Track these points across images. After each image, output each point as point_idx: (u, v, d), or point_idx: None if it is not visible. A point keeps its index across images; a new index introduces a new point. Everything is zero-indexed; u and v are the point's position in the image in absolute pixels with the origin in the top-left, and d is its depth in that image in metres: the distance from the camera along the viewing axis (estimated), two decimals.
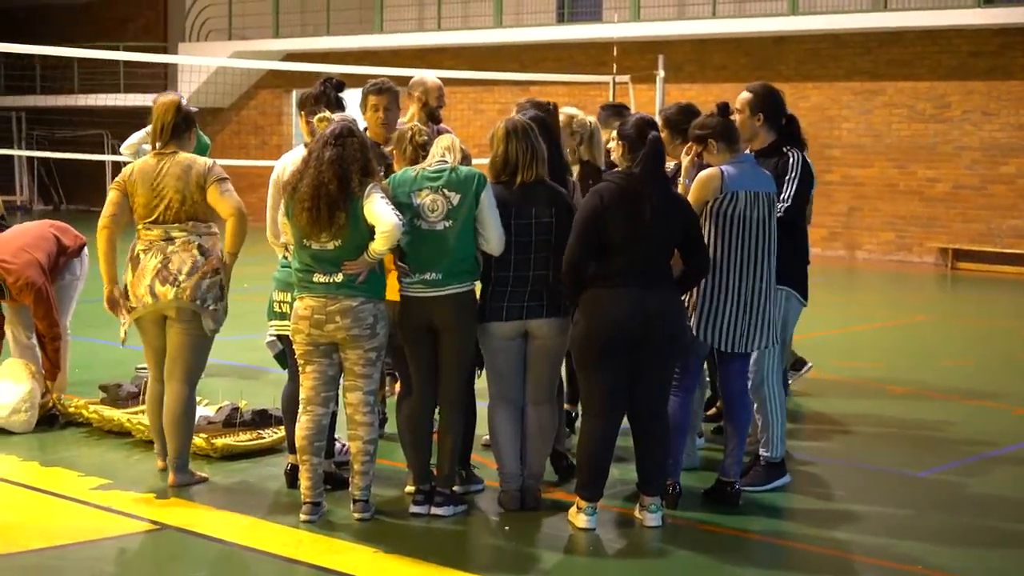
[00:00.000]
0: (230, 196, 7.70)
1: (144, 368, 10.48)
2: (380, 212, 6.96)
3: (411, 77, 9.54)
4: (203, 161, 7.81)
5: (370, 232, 7.01)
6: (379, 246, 6.99)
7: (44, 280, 9.28)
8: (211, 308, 7.74)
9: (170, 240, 7.72)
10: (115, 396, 9.41)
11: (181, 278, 7.66)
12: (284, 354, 7.82)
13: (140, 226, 7.81)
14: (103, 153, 30.87)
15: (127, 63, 31.98)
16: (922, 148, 23.74)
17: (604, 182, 7.29)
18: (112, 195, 7.84)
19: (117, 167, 31.86)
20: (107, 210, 7.82)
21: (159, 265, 7.68)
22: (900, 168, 24.02)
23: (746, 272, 7.50)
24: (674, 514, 7.40)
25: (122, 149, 11.10)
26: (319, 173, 6.99)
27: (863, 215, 24.50)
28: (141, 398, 9.21)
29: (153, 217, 7.74)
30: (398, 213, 7.00)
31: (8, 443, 8.74)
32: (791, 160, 7.99)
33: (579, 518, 7.16)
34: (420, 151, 7.47)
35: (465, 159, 7.40)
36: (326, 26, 30.58)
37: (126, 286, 7.84)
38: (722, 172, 7.48)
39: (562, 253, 7.14)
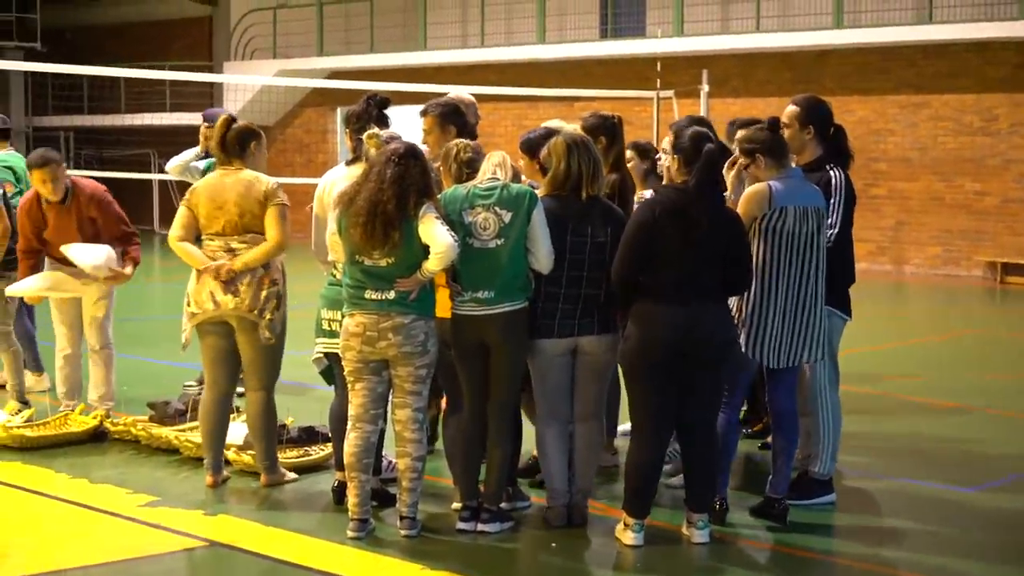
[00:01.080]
0: (283, 226, 7.96)
1: (191, 385, 10.61)
2: (436, 233, 6.95)
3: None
4: (266, 180, 8.03)
5: (424, 250, 7.01)
6: (433, 266, 6.99)
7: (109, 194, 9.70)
8: (268, 318, 7.94)
9: (231, 252, 7.95)
10: (163, 413, 9.45)
11: (241, 288, 7.90)
12: (331, 371, 7.86)
13: (204, 237, 8.06)
14: (150, 172, 31.09)
15: (173, 82, 32.19)
16: (969, 161, 23.60)
17: (656, 195, 7.28)
18: (179, 211, 8.14)
19: (164, 185, 32.18)
20: (175, 228, 8.09)
21: None
22: (947, 182, 23.89)
23: (793, 287, 7.47)
24: (721, 530, 7.37)
25: (168, 168, 11.18)
26: (379, 190, 7.00)
27: (910, 229, 24.37)
28: (189, 415, 9.27)
29: (215, 229, 7.99)
30: (453, 234, 7.01)
31: (57, 461, 8.79)
32: (834, 182, 7.87)
33: (626, 535, 7.14)
34: (465, 168, 7.47)
35: (515, 176, 7.41)
36: (370, 44, 30.70)
37: (188, 293, 8.06)
38: (770, 187, 7.44)
39: None
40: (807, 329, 7.53)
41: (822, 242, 7.54)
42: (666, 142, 7.73)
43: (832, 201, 7.81)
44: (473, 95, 9.63)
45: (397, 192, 6.97)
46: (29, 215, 9.57)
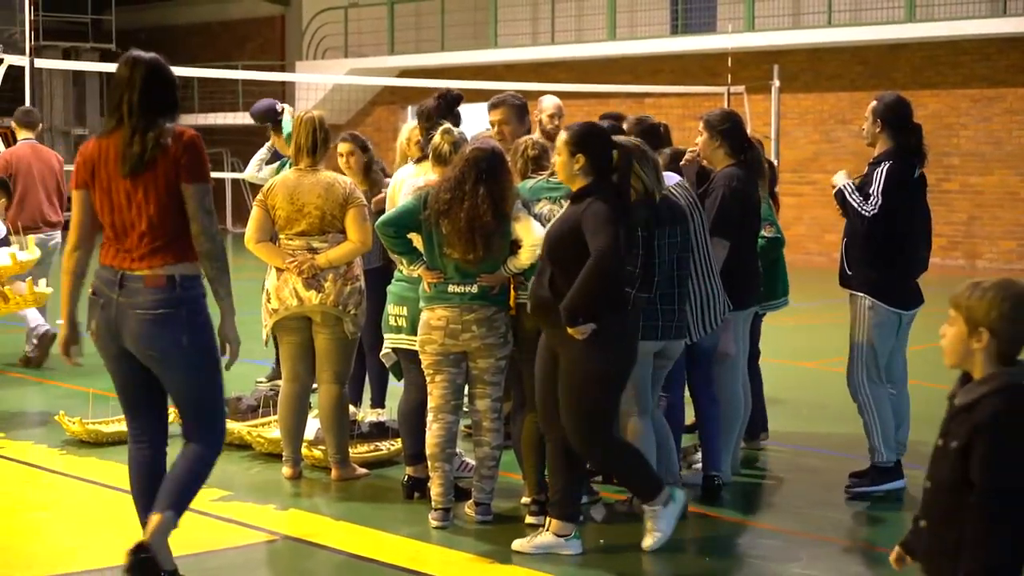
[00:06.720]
0: (365, 226, 8.01)
1: (263, 381, 10.71)
2: (533, 228, 7.15)
3: (526, 91, 9.65)
4: (344, 180, 8.12)
5: (510, 247, 7.18)
6: (526, 258, 7.14)
7: None
8: (352, 312, 8.08)
9: (313, 251, 8.03)
10: (235, 409, 9.51)
11: (325, 284, 8.01)
12: (399, 366, 7.91)
13: (283, 236, 8.11)
14: (223, 171, 31.32)
15: (246, 82, 32.43)
16: None
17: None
18: (254, 212, 8.17)
19: (236, 184, 32.39)
20: (252, 230, 8.12)
21: None
22: (1021, 176, 23.64)
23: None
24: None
25: (246, 176, 11.41)
26: (474, 206, 7.09)
27: (983, 224, 24.14)
28: (260, 411, 9.35)
29: (296, 230, 8.05)
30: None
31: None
32: (875, 173, 7.91)
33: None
34: (531, 164, 7.55)
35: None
36: (440, 42, 30.79)
37: (268, 290, 8.15)
38: None
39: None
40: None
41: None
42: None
43: (871, 189, 7.86)
44: (544, 92, 9.65)
45: (493, 209, 7.11)
46: None
